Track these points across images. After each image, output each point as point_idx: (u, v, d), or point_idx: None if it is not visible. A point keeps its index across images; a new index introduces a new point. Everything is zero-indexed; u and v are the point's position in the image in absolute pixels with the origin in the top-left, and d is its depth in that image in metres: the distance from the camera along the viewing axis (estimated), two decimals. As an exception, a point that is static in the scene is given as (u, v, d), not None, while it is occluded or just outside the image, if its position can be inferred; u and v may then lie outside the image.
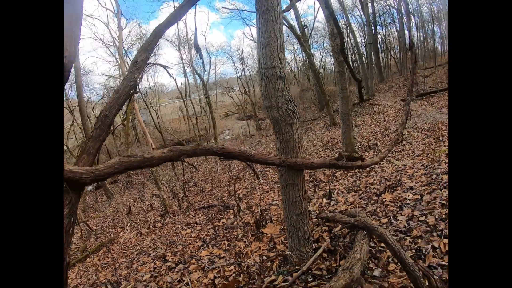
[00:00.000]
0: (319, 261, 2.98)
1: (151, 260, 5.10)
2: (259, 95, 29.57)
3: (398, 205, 3.93)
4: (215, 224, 6.01)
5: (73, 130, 20.24)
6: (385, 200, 4.19)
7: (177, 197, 9.99)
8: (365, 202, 4.47)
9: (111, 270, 5.49)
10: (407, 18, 26.48)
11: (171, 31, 25.15)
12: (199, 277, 3.65)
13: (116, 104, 2.18)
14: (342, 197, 5.12)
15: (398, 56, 32.04)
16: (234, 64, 32.59)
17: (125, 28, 17.47)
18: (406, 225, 3.33)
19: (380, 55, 29.51)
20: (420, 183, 4.46)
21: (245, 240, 4.48)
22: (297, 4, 16.43)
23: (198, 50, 6.22)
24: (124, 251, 6.76)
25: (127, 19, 17.86)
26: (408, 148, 8.34)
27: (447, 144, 7.96)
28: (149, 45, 2.38)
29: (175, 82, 22.23)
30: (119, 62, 15.58)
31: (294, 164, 2.60)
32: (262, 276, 3.11)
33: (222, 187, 10.18)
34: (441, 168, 4.76)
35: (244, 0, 42.25)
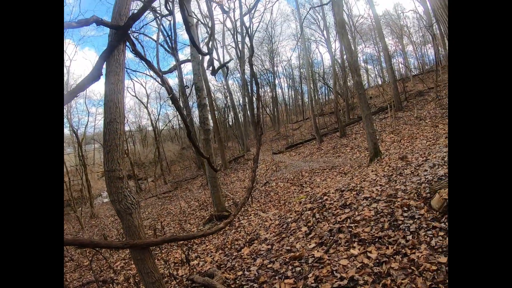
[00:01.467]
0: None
1: None
2: (140, 153, 28.49)
3: (253, 257, 4.43)
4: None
5: None
6: (243, 254, 4.66)
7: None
8: (228, 258, 4.86)
9: None
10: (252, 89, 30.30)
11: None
12: None
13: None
14: (210, 256, 5.41)
15: (272, 113, 36.02)
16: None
17: None
18: (256, 273, 3.81)
19: (256, 112, 32.58)
20: (273, 233, 5.11)
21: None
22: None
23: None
24: None
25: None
26: (274, 199, 9.34)
27: (307, 190, 9.26)
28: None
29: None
30: None
31: (136, 245, 2.97)
32: None
33: (100, 260, 9.24)
34: (291, 217, 5.52)
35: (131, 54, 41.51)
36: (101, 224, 15.11)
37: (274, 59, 35.04)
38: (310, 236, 4.32)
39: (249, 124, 27.23)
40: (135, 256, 3.10)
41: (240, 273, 4.03)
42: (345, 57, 22.37)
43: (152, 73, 21.47)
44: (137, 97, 27.98)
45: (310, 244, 4.05)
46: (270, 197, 9.65)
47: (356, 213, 4.42)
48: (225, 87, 27.84)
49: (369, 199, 4.79)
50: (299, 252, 3.89)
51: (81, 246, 2.69)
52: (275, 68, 35.73)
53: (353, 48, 14.59)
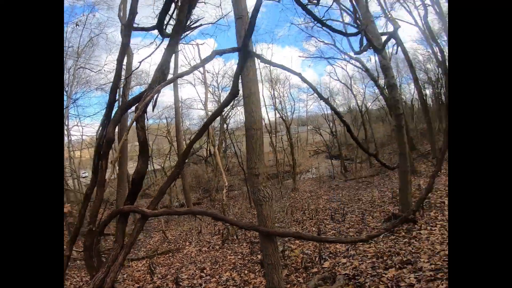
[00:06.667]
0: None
1: (194, 269, 6.96)
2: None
3: (388, 285, 3.96)
4: (246, 258, 7.19)
5: (170, 154, 24.63)
6: (385, 275, 4.24)
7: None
8: (370, 272, 4.57)
9: (166, 268, 7.60)
10: None
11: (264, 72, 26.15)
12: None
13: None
14: (360, 262, 5.19)
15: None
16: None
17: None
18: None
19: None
20: (433, 265, 4.23)
21: (254, 275, 5.75)
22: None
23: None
24: (182, 259, 8.61)
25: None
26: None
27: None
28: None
29: (267, 120, 23.61)
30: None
31: (258, 230, 3.66)
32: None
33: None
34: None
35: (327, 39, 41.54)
36: (297, 197, 16.93)
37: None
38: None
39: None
40: (260, 238, 3.83)
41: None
42: None
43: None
44: (340, 80, 28.22)
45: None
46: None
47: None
48: (433, 55, 22.92)
49: None
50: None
51: (216, 219, 4.87)
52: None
53: None
